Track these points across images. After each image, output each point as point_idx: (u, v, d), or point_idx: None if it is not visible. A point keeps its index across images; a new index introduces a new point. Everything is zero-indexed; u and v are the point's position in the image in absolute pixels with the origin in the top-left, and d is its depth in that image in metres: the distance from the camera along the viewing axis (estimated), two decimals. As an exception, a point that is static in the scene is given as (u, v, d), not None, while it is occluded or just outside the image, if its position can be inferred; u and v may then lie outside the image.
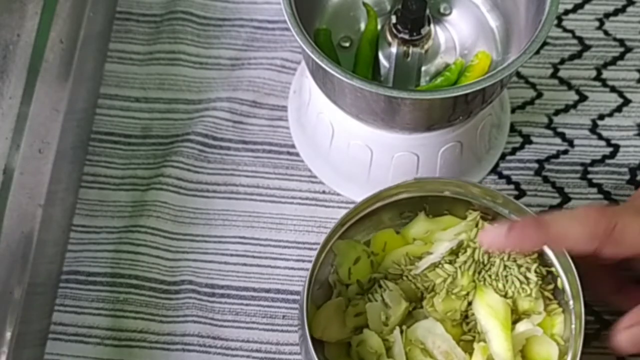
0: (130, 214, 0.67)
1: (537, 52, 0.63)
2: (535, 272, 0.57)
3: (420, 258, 0.58)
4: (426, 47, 0.61)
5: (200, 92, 0.72)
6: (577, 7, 0.74)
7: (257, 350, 0.63)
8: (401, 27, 0.60)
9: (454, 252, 0.57)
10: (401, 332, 0.55)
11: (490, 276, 0.57)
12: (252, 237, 0.66)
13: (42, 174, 0.66)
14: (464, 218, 0.59)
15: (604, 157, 0.69)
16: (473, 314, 0.57)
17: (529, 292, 0.56)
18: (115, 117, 0.71)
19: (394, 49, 0.61)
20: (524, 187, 0.68)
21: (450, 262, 0.57)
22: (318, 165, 0.68)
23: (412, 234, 0.60)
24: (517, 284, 0.56)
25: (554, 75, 0.72)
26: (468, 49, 0.63)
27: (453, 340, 0.55)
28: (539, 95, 0.71)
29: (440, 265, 0.57)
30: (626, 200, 0.67)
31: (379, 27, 0.63)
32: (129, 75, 0.72)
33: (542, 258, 0.57)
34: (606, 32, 0.73)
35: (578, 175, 0.68)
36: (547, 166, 0.69)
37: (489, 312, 0.55)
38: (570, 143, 0.69)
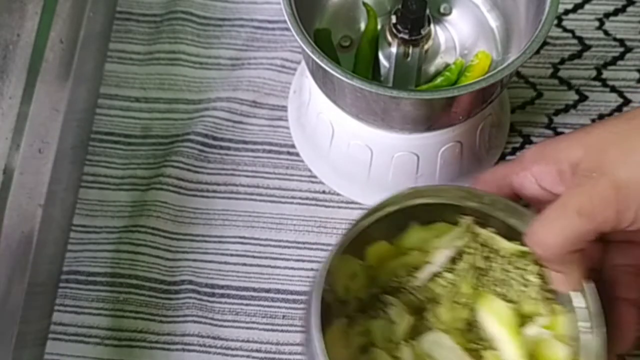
0: (130, 214, 0.67)
1: (537, 52, 0.63)
2: (535, 274, 0.56)
3: (418, 269, 0.56)
4: (426, 47, 0.61)
5: (200, 92, 0.72)
6: (577, 7, 0.74)
7: (257, 350, 0.63)
8: (401, 27, 0.60)
9: (452, 260, 0.56)
10: (410, 345, 0.54)
11: (490, 281, 0.56)
12: (252, 237, 0.66)
13: (42, 174, 0.66)
14: (456, 223, 0.57)
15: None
16: (476, 322, 0.56)
17: (530, 294, 0.56)
18: (115, 117, 0.71)
19: (394, 49, 0.61)
20: (524, 187, 0.68)
21: (450, 271, 0.56)
22: (318, 165, 0.68)
23: (406, 244, 0.57)
24: (518, 287, 0.56)
25: (554, 75, 0.72)
26: (468, 48, 0.63)
27: (461, 350, 0.54)
28: (539, 95, 0.71)
29: (440, 275, 0.55)
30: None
31: (379, 27, 0.63)
32: (129, 75, 0.73)
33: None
34: (606, 32, 0.73)
35: (578, 175, 0.68)
36: (547, 166, 0.69)
37: (495, 319, 0.54)
38: (570, 143, 0.69)
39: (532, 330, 0.55)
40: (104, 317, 0.64)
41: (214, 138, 0.70)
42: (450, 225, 0.57)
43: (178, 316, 0.64)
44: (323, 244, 0.66)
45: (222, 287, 0.65)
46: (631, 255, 0.55)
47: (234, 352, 0.63)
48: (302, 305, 0.64)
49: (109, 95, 0.72)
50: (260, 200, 0.68)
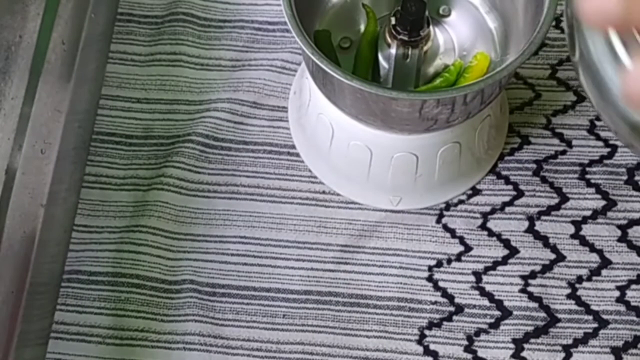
0: (132, 214, 0.67)
1: (536, 53, 0.63)
2: None
3: None
4: (425, 48, 0.62)
5: (201, 93, 0.72)
6: (575, 9, 0.74)
7: (257, 349, 0.63)
8: (400, 29, 0.60)
9: None
10: None
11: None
12: (252, 236, 0.67)
13: (44, 174, 0.66)
14: None
15: (602, 157, 0.69)
16: None
17: None
18: (117, 118, 0.71)
19: (393, 50, 0.61)
20: (522, 187, 0.68)
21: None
22: (318, 166, 0.69)
23: None
24: None
25: (552, 76, 0.72)
26: (467, 50, 0.63)
27: None
28: (538, 96, 0.71)
29: None
30: (624, 199, 0.67)
31: (378, 28, 0.63)
32: (131, 76, 0.73)
33: None
34: (604, 33, 0.73)
35: (576, 175, 0.69)
36: (545, 166, 0.69)
37: None
38: (569, 143, 0.70)
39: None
40: (105, 317, 0.64)
41: (215, 139, 0.70)
42: None
43: (179, 315, 0.64)
44: (323, 244, 0.66)
45: (223, 286, 0.65)
46: None
47: (235, 351, 0.63)
48: (306, 305, 0.64)
49: (110, 96, 0.72)
50: (261, 201, 0.68)
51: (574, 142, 0.70)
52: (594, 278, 0.65)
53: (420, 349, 0.63)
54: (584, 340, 0.63)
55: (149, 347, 0.63)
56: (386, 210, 0.67)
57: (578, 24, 0.43)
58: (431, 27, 0.61)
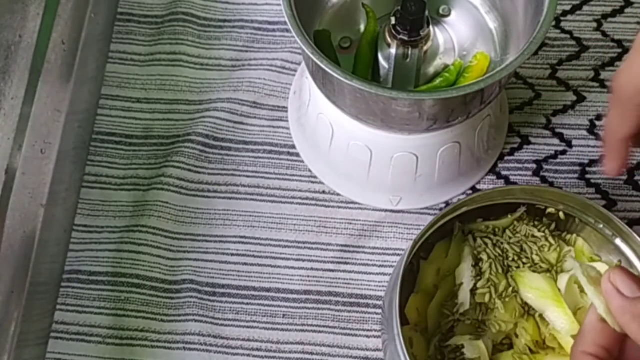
0: (132, 214, 0.68)
1: (536, 53, 0.63)
2: (535, 227, 0.59)
3: (456, 296, 0.57)
4: (425, 48, 0.62)
5: (201, 93, 0.72)
6: (575, 9, 0.74)
7: (257, 349, 0.63)
8: (400, 29, 0.60)
9: (474, 267, 0.58)
10: None
11: (514, 261, 0.59)
12: (252, 236, 0.67)
13: (44, 174, 0.66)
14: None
15: (602, 157, 0.69)
16: (526, 304, 0.58)
17: (546, 245, 0.58)
18: (117, 118, 0.71)
19: (393, 50, 0.61)
20: (522, 187, 0.68)
21: (480, 276, 0.58)
22: (318, 166, 0.69)
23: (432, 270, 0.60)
24: (534, 247, 0.58)
25: (552, 76, 0.72)
26: (467, 50, 0.63)
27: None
28: (538, 96, 0.71)
29: (475, 287, 0.58)
30: (624, 199, 0.68)
31: (378, 28, 0.63)
32: (131, 76, 0.73)
33: (530, 212, 0.60)
34: (604, 33, 0.73)
35: (576, 175, 0.69)
36: (545, 166, 0.69)
37: (537, 294, 0.57)
38: (569, 143, 0.70)
39: (563, 279, 0.58)
40: (105, 316, 0.64)
41: (215, 139, 0.70)
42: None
43: (179, 315, 0.64)
44: (323, 244, 0.66)
45: (223, 286, 0.65)
46: None
47: (235, 351, 0.63)
48: (306, 305, 0.64)
49: (110, 96, 0.72)
50: (261, 201, 0.68)
51: (574, 142, 0.70)
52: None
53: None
54: None
55: (149, 347, 0.63)
56: (386, 210, 0.67)
57: None
58: (431, 27, 0.61)
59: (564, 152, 0.69)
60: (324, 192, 0.68)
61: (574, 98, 0.71)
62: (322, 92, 0.60)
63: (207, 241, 0.67)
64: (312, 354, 0.63)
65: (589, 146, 0.70)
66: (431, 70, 0.63)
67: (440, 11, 0.64)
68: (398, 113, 0.56)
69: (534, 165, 0.69)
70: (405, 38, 0.60)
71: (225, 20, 0.75)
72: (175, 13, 0.75)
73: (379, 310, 0.64)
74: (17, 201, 0.62)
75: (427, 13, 0.60)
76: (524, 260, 0.59)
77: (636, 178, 0.68)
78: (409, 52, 0.61)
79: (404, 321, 0.56)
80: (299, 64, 0.72)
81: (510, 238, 0.60)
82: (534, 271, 0.58)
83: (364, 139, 0.62)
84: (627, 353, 0.46)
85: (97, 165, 0.70)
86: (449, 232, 0.60)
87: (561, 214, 0.60)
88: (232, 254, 0.66)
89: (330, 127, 0.64)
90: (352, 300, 0.65)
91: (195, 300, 0.64)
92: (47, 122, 0.66)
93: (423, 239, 0.56)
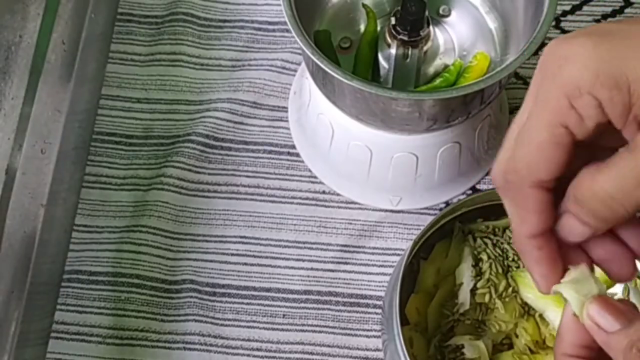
0: (132, 214, 0.68)
1: (536, 53, 0.63)
2: None
3: (456, 296, 0.58)
4: (425, 48, 0.62)
5: (201, 93, 0.72)
6: (575, 9, 0.74)
7: (257, 349, 0.63)
8: (400, 29, 0.60)
9: (473, 267, 0.58)
10: None
11: (514, 261, 0.59)
12: (252, 236, 0.67)
13: (44, 174, 0.66)
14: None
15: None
16: (526, 303, 0.58)
17: None
18: (117, 118, 0.71)
19: (393, 50, 0.61)
20: (522, 187, 0.68)
21: (479, 276, 0.58)
22: (318, 166, 0.69)
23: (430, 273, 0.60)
24: None
25: (552, 76, 0.72)
26: (467, 50, 0.63)
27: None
28: (538, 96, 0.71)
29: (475, 287, 0.58)
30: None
31: (378, 28, 0.63)
32: (131, 76, 0.73)
33: None
34: (604, 34, 0.73)
35: (576, 175, 0.68)
36: (545, 166, 0.69)
37: (537, 294, 0.56)
38: (569, 143, 0.70)
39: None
40: (105, 316, 0.64)
41: (215, 139, 0.70)
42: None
43: (179, 315, 0.64)
44: (323, 244, 0.66)
45: (223, 286, 0.65)
46: None
47: (235, 351, 0.63)
48: (306, 305, 0.64)
49: (110, 96, 0.72)
50: (261, 201, 0.68)
51: (574, 142, 0.70)
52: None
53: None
54: None
55: (149, 347, 0.63)
56: (386, 210, 0.67)
57: None
58: (431, 27, 0.62)
59: (563, 152, 0.69)
60: (324, 192, 0.68)
61: (574, 98, 0.71)
62: (322, 92, 0.60)
63: (207, 241, 0.67)
64: (312, 354, 0.63)
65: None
66: (431, 70, 0.63)
67: (440, 11, 0.64)
68: (398, 113, 0.56)
69: (534, 165, 0.69)
70: (405, 38, 0.60)
71: (225, 20, 0.75)
72: (175, 13, 0.75)
73: (379, 310, 0.64)
74: (17, 201, 0.62)
75: (427, 13, 0.60)
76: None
77: (636, 178, 0.68)
78: (409, 52, 0.61)
79: (403, 321, 0.56)
80: (299, 64, 0.72)
81: (510, 238, 0.60)
82: None
83: (364, 139, 0.62)
84: None
85: (97, 165, 0.70)
86: (448, 232, 0.60)
87: None
88: (232, 254, 0.66)
89: (330, 127, 0.64)
90: (352, 300, 0.65)
91: (195, 300, 0.64)
92: (47, 122, 0.66)
93: (423, 239, 0.56)
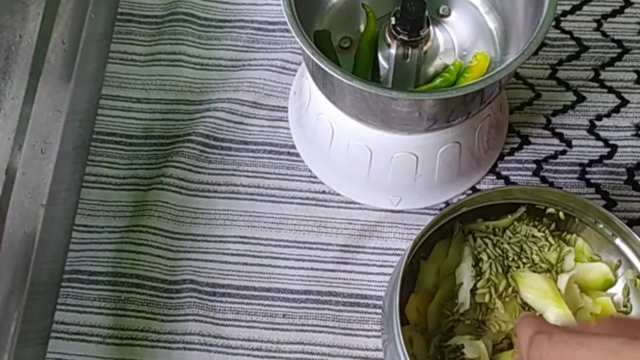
0: (132, 214, 0.68)
1: (536, 53, 0.64)
2: (535, 227, 0.60)
3: (456, 296, 0.57)
4: (425, 48, 0.62)
5: (201, 93, 0.72)
6: (575, 9, 0.75)
7: (257, 349, 0.63)
8: (400, 29, 0.60)
9: (474, 267, 0.58)
10: None
11: (514, 261, 0.59)
12: (252, 236, 0.67)
13: (44, 174, 0.66)
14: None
15: (602, 157, 0.69)
16: (526, 303, 0.58)
17: (546, 245, 0.59)
18: (117, 118, 0.71)
19: (393, 50, 0.61)
20: (522, 187, 0.68)
21: (479, 276, 0.58)
22: (318, 166, 0.69)
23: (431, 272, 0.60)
24: (534, 247, 0.59)
25: (552, 76, 0.72)
26: (467, 50, 0.63)
27: None
28: (537, 96, 0.72)
29: (475, 288, 0.58)
30: (624, 199, 0.68)
31: (378, 28, 0.63)
32: (131, 76, 0.73)
33: (529, 212, 0.60)
34: (604, 33, 0.73)
35: (576, 175, 0.69)
36: (545, 166, 0.69)
37: (537, 294, 0.57)
38: (569, 143, 0.70)
39: (563, 279, 0.58)
40: (105, 316, 0.64)
41: (215, 139, 0.70)
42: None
43: (179, 315, 0.64)
44: (323, 244, 0.66)
45: (223, 286, 0.65)
46: None
47: (235, 351, 0.63)
48: (306, 305, 0.64)
49: (110, 96, 0.72)
50: (261, 200, 0.68)
51: (574, 142, 0.70)
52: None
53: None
54: None
55: (149, 347, 0.63)
56: (386, 210, 0.67)
57: None
58: (431, 27, 0.61)
59: (563, 152, 0.70)
60: (324, 192, 0.68)
61: (574, 98, 0.71)
62: (322, 92, 0.60)
63: (207, 241, 0.67)
64: (312, 353, 0.63)
65: (588, 146, 0.70)
66: (431, 70, 0.63)
67: (440, 11, 0.64)
68: (398, 113, 0.56)
69: (534, 165, 0.69)
70: (405, 38, 0.60)
71: (225, 20, 0.75)
72: (175, 13, 0.75)
73: (379, 310, 0.64)
74: (17, 201, 0.62)
75: (427, 13, 0.60)
76: (524, 260, 0.59)
77: (636, 178, 0.68)
78: (409, 52, 0.61)
79: (404, 321, 0.56)
80: (299, 64, 0.72)
81: (510, 238, 0.60)
82: (533, 271, 0.58)
83: (364, 139, 0.62)
84: None
85: (97, 165, 0.70)
86: (449, 232, 0.60)
87: (561, 214, 0.60)
88: (232, 254, 0.66)
89: (330, 127, 0.64)
90: (352, 300, 0.65)
91: (195, 300, 0.64)
92: (47, 122, 0.66)
93: (423, 239, 0.56)
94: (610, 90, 0.71)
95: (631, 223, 0.67)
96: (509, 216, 0.60)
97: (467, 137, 0.63)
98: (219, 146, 0.70)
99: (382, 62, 0.62)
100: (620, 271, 0.59)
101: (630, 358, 0.38)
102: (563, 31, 0.74)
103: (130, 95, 0.72)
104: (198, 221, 0.67)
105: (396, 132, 0.61)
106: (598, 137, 0.70)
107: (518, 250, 0.59)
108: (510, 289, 0.57)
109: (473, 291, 0.57)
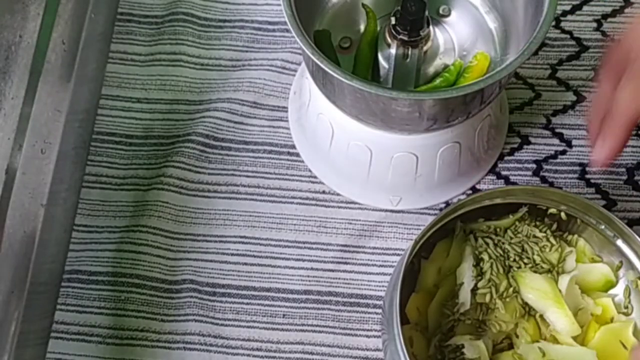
0: (132, 214, 0.68)
1: (536, 53, 0.64)
2: (537, 227, 0.60)
3: (456, 296, 0.58)
4: (425, 48, 0.62)
5: (201, 93, 0.72)
6: (575, 9, 0.75)
7: (257, 349, 0.63)
8: (400, 29, 0.60)
9: (474, 267, 0.58)
10: None
11: (515, 261, 0.59)
12: (252, 236, 0.67)
13: (44, 174, 0.66)
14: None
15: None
16: (527, 304, 0.58)
17: (547, 245, 0.59)
18: (117, 118, 0.71)
19: (393, 50, 0.61)
20: (522, 187, 0.68)
21: (480, 276, 0.58)
22: (318, 166, 0.69)
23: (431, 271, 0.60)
24: (535, 247, 0.59)
25: (552, 76, 0.72)
26: (467, 50, 0.63)
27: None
28: (537, 96, 0.72)
29: (476, 287, 0.58)
30: (624, 199, 0.68)
31: (378, 28, 0.63)
32: (131, 76, 0.73)
33: (531, 213, 0.60)
34: (604, 33, 0.73)
35: (576, 175, 0.69)
36: (545, 166, 0.69)
37: (538, 295, 0.57)
38: (569, 143, 0.70)
39: (564, 280, 0.58)
40: (105, 316, 0.64)
41: (215, 138, 0.70)
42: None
43: (179, 315, 0.64)
44: (323, 244, 0.66)
45: (223, 286, 0.65)
46: None
47: (235, 351, 0.63)
48: (306, 305, 0.64)
49: (110, 96, 0.72)
50: (261, 200, 0.68)
51: (574, 142, 0.70)
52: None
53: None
54: None
55: (149, 347, 0.63)
56: (386, 210, 0.67)
57: None
58: (431, 27, 0.62)
59: (563, 152, 0.70)
60: (324, 192, 0.68)
61: (574, 98, 0.71)
62: (322, 92, 0.60)
63: (207, 241, 0.67)
64: (312, 353, 0.63)
65: (589, 146, 0.70)
66: (431, 70, 0.63)
67: (440, 11, 0.64)
68: (398, 113, 0.56)
69: (534, 165, 0.69)
70: (405, 38, 0.60)
71: (225, 20, 0.75)
72: (175, 13, 0.75)
73: (379, 310, 0.64)
74: (17, 201, 0.62)
75: (427, 13, 0.60)
76: (525, 260, 0.59)
77: (636, 178, 0.68)
78: (409, 52, 0.61)
79: (404, 320, 0.56)
80: (299, 64, 0.72)
81: (511, 238, 0.60)
82: (535, 271, 0.58)
83: (364, 139, 0.62)
84: None
85: (97, 165, 0.70)
86: (450, 231, 0.60)
87: (563, 215, 0.60)
88: (232, 254, 0.66)
89: (330, 127, 0.64)
90: (352, 300, 0.65)
91: (195, 300, 0.64)
92: (47, 122, 0.66)
93: (424, 238, 0.56)
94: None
95: (631, 223, 0.67)
96: (511, 216, 0.60)
97: (467, 137, 0.63)
98: (219, 146, 0.70)
99: (382, 62, 0.62)
100: (621, 272, 0.59)
101: None
102: (563, 31, 0.74)
103: (130, 95, 0.72)
104: (198, 221, 0.67)
105: (396, 132, 0.61)
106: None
107: (519, 250, 0.59)
108: (511, 289, 0.57)
109: (474, 291, 0.57)
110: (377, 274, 0.65)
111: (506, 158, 0.70)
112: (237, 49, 0.74)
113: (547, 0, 0.54)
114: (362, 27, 0.64)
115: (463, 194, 0.68)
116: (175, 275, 0.66)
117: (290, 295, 0.65)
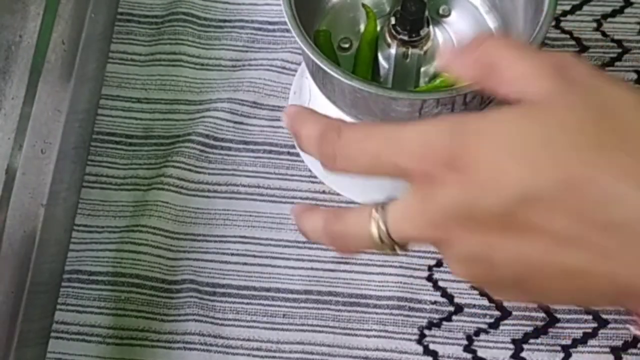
0: (132, 214, 0.68)
1: (535, 53, 0.63)
2: None
3: None
4: (425, 48, 0.62)
5: (201, 92, 0.72)
6: (575, 9, 0.74)
7: (257, 349, 0.63)
8: (400, 29, 0.60)
9: None
10: None
11: None
12: (252, 236, 0.67)
13: (44, 174, 0.66)
14: None
15: None
16: None
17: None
18: (117, 118, 0.71)
19: (393, 50, 0.61)
20: (522, 187, 0.68)
21: None
22: (318, 166, 0.68)
23: None
24: None
25: (552, 76, 0.72)
26: (467, 50, 0.63)
27: None
28: (538, 96, 0.71)
29: None
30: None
31: (378, 28, 0.63)
32: (131, 76, 0.73)
33: None
34: (604, 33, 0.73)
35: (576, 175, 0.69)
36: (545, 166, 0.69)
37: None
38: (568, 143, 0.70)
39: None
40: (105, 316, 0.64)
41: (215, 138, 0.70)
42: None
43: (179, 315, 0.64)
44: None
45: (223, 286, 0.65)
46: None
47: (235, 351, 0.63)
48: (306, 305, 0.64)
49: (110, 96, 0.72)
50: (261, 200, 0.68)
51: (574, 142, 0.70)
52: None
53: (420, 349, 0.63)
54: (583, 340, 0.63)
55: (149, 347, 0.63)
56: (386, 210, 0.67)
57: None
58: (431, 27, 0.62)
59: (563, 152, 0.69)
60: (324, 192, 0.68)
61: (574, 98, 0.71)
62: (322, 92, 0.60)
63: (207, 241, 0.67)
64: (312, 353, 0.63)
65: (588, 146, 0.69)
66: (431, 70, 0.63)
67: (440, 11, 0.64)
68: (398, 113, 0.56)
69: (534, 165, 0.69)
70: (405, 38, 0.60)
71: (225, 20, 0.75)
72: (175, 13, 0.75)
73: (379, 310, 0.64)
74: (17, 201, 0.62)
75: (427, 13, 0.60)
76: None
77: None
78: (409, 52, 0.61)
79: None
80: (299, 64, 0.72)
81: None
82: None
83: (364, 139, 0.62)
84: None
85: (97, 165, 0.70)
86: None
87: None
88: (232, 254, 0.66)
89: (330, 127, 0.64)
90: (352, 300, 0.65)
91: (195, 300, 0.64)
92: (47, 122, 0.67)
93: None
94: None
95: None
96: None
97: (467, 137, 0.63)
98: (219, 146, 0.70)
99: (382, 62, 0.62)
100: None
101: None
102: (563, 31, 0.74)
103: (130, 95, 0.72)
104: (198, 221, 0.67)
105: (396, 132, 0.60)
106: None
107: None
108: None
109: None
110: (377, 273, 0.65)
111: (506, 158, 0.69)
112: (237, 49, 0.74)
113: (547, 0, 0.54)
114: (362, 27, 0.64)
115: (463, 194, 0.68)
116: (175, 275, 0.66)
117: (290, 295, 0.65)
